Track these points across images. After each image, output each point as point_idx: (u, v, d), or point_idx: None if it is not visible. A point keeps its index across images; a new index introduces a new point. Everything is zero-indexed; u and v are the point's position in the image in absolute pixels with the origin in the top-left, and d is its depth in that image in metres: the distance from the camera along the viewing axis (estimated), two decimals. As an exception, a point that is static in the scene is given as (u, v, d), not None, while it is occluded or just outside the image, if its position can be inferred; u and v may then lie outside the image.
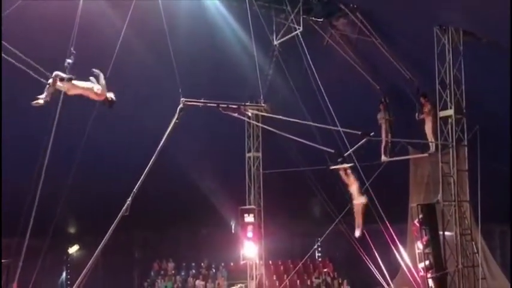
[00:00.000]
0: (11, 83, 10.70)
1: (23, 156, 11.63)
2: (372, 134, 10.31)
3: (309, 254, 17.11)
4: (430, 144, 12.49)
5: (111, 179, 14.72)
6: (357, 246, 13.66)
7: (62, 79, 8.75)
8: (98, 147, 12.84)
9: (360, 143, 10.58)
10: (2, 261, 8.81)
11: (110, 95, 8.81)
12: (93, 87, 8.81)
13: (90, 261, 9.86)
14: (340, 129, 10.94)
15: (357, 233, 12.15)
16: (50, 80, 8.64)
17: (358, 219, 12.08)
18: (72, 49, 9.95)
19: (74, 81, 8.81)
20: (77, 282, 9.62)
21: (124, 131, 14.33)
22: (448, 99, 11.70)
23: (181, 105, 11.04)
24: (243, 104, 12.00)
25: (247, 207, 15.30)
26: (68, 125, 9.91)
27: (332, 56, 13.96)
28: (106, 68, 10.56)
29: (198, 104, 11.05)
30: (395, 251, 13.01)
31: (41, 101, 8.64)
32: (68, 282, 16.98)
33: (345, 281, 18.40)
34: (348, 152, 11.01)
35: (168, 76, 11.21)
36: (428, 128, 12.50)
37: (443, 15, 11.51)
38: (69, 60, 9.82)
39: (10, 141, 12.98)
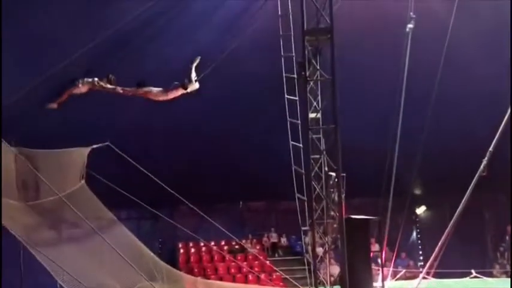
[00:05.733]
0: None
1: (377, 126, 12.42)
2: None
3: None
4: None
5: (454, 139, 14.37)
6: None
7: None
8: (444, 108, 12.58)
9: None
10: (374, 218, 9.73)
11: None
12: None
13: (450, 226, 9.97)
14: None
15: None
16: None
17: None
18: (411, 13, 10.13)
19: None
20: (439, 244, 9.90)
21: (466, 89, 13.69)
22: None
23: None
24: None
25: None
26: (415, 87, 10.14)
27: None
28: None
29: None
30: None
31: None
32: (419, 242, 17.61)
33: None
34: None
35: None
36: None
37: None
38: (410, 25, 9.97)
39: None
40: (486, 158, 9.35)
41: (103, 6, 11.44)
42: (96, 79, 9.01)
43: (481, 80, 13.37)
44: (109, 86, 9.04)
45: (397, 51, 10.58)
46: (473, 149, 10.80)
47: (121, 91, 9.07)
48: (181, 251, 15.80)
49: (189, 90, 9.01)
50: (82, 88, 8.96)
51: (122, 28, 11.00)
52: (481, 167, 9.38)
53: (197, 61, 8.99)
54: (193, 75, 8.99)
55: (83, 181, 9.75)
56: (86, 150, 9.54)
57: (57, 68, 9.77)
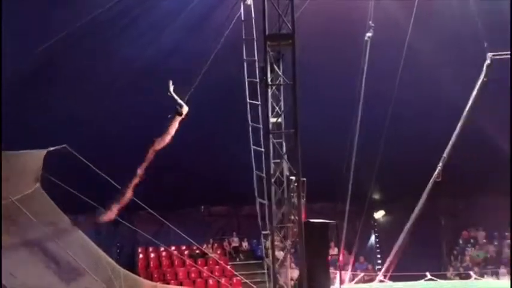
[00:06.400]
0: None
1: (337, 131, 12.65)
2: None
3: None
4: None
5: (412, 145, 14.73)
6: None
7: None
8: (402, 114, 12.93)
9: None
10: (332, 221, 9.88)
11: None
12: None
13: (405, 230, 10.25)
14: None
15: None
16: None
17: None
18: (370, 22, 10.40)
19: None
20: (394, 247, 10.16)
21: (423, 96, 14.07)
22: None
23: (488, 61, 10.18)
24: None
25: None
26: (373, 94, 10.45)
27: None
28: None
29: (509, 56, 9.94)
30: None
31: None
32: (378, 246, 17.95)
33: None
34: None
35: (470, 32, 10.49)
36: None
37: None
38: (369, 34, 10.24)
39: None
40: (440, 164, 9.67)
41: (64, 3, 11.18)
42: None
43: (439, 86, 13.78)
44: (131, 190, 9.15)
45: (358, 57, 10.82)
46: (433, 154, 11.13)
47: (141, 172, 9.24)
48: (141, 256, 15.56)
49: (183, 114, 9.17)
50: (112, 214, 9.15)
51: (84, 25, 10.79)
52: (435, 172, 9.69)
53: (172, 86, 9.09)
54: (178, 98, 9.14)
55: (37, 184, 9.48)
56: (42, 153, 9.27)
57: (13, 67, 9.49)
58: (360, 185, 12.73)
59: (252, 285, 11.98)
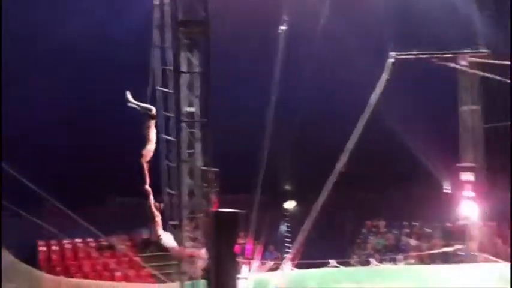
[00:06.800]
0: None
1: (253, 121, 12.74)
2: None
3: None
4: None
5: (323, 139, 15.26)
6: None
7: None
8: (310, 107, 13.35)
9: None
10: (241, 211, 9.97)
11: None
12: None
13: (309, 219, 10.59)
14: None
15: None
16: None
17: None
18: (284, 16, 10.57)
19: None
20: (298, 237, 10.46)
21: (330, 90, 14.60)
22: None
23: (392, 60, 10.75)
24: (462, 52, 11.04)
25: (466, 164, 14.26)
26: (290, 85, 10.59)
27: None
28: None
29: (410, 56, 10.59)
30: None
31: None
32: (288, 235, 18.50)
33: None
34: None
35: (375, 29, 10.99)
36: None
37: None
38: (282, 27, 10.42)
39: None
40: (344, 155, 10.07)
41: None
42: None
43: (352, 80, 14.33)
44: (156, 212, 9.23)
45: (274, 46, 10.87)
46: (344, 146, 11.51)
47: (148, 187, 9.28)
48: (42, 248, 14.73)
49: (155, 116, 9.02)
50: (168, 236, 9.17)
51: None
52: (339, 164, 10.08)
53: (130, 95, 9.03)
54: (141, 103, 9.02)
55: None
56: None
57: None
58: (273, 176, 13.00)
59: (161, 276, 11.79)
